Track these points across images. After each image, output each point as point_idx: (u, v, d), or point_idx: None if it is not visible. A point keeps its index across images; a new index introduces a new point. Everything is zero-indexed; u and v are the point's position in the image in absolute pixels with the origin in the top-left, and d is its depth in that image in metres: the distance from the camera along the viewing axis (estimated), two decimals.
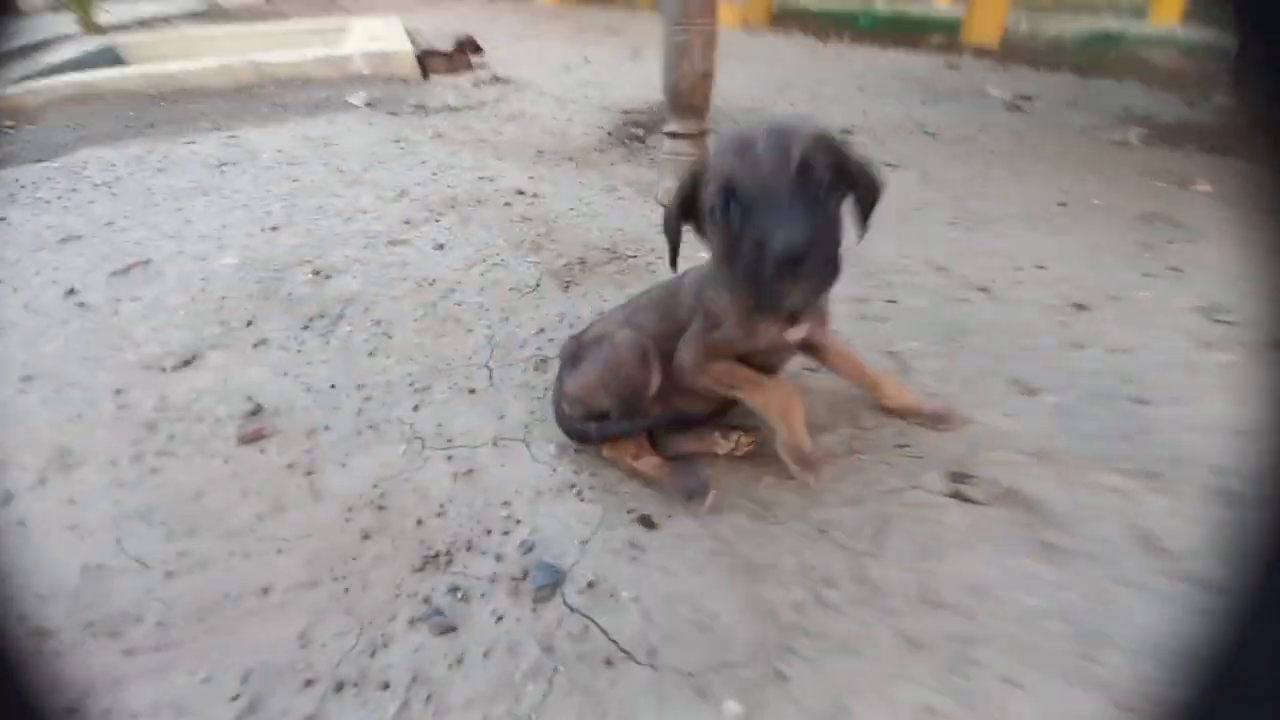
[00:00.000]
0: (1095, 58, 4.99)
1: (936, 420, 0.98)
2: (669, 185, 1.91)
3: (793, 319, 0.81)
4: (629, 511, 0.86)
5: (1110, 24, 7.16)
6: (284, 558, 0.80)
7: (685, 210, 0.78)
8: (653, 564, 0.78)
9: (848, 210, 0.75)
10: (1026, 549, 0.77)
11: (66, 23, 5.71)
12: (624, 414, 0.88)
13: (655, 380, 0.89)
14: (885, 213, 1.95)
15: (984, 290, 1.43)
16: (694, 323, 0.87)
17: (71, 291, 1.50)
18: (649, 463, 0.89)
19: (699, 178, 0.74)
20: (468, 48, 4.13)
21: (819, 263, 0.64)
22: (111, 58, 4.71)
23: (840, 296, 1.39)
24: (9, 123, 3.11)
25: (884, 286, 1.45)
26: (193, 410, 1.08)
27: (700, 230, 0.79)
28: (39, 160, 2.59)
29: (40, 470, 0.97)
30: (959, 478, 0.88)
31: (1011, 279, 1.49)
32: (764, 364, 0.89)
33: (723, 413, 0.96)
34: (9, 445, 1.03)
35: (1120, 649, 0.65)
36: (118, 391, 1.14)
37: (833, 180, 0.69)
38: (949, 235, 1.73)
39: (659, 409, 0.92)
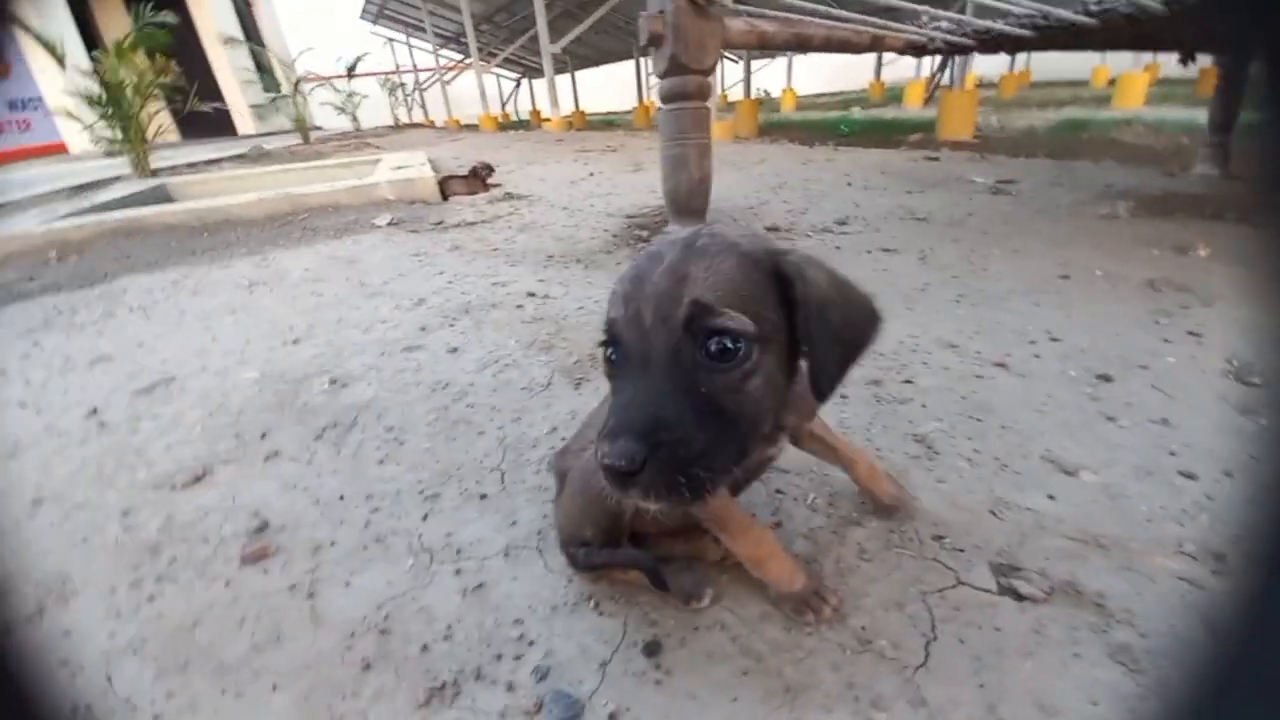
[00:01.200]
0: (1067, 143, 5.29)
1: (892, 508, 0.92)
2: None
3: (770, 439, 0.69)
4: (652, 625, 0.79)
5: (1076, 114, 7.63)
6: (278, 695, 0.73)
7: None
8: (680, 689, 0.70)
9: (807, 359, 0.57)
10: (1096, 653, 0.69)
11: (120, 166, 6.35)
12: (605, 541, 0.81)
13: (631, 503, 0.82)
14: (890, 294, 1.96)
15: (1001, 365, 1.41)
16: None
17: (93, 412, 1.53)
18: (638, 574, 0.83)
19: None
20: (482, 172, 4.53)
21: (658, 477, 0.48)
22: (162, 196, 5.19)
23: (853, 379, 1.37)
24: (53, 254, 3.37)
25: (898, 367, 1.43)
26: (197, 530, 1.06)
27: None
28: (80, 288, 2.77)
29: (39, 600, 0.94)
30: (1008, 571, 0.80)
31: (1028, 352, 1.47)
32: (757, 471, 0.82)
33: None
34: (13, 572, 1.00)
35: None
36: (124, 513, 1.12)
37: (758, 334, 0.52)
38: (956, 313, 1.74)
39: (646, 525, 0.84)
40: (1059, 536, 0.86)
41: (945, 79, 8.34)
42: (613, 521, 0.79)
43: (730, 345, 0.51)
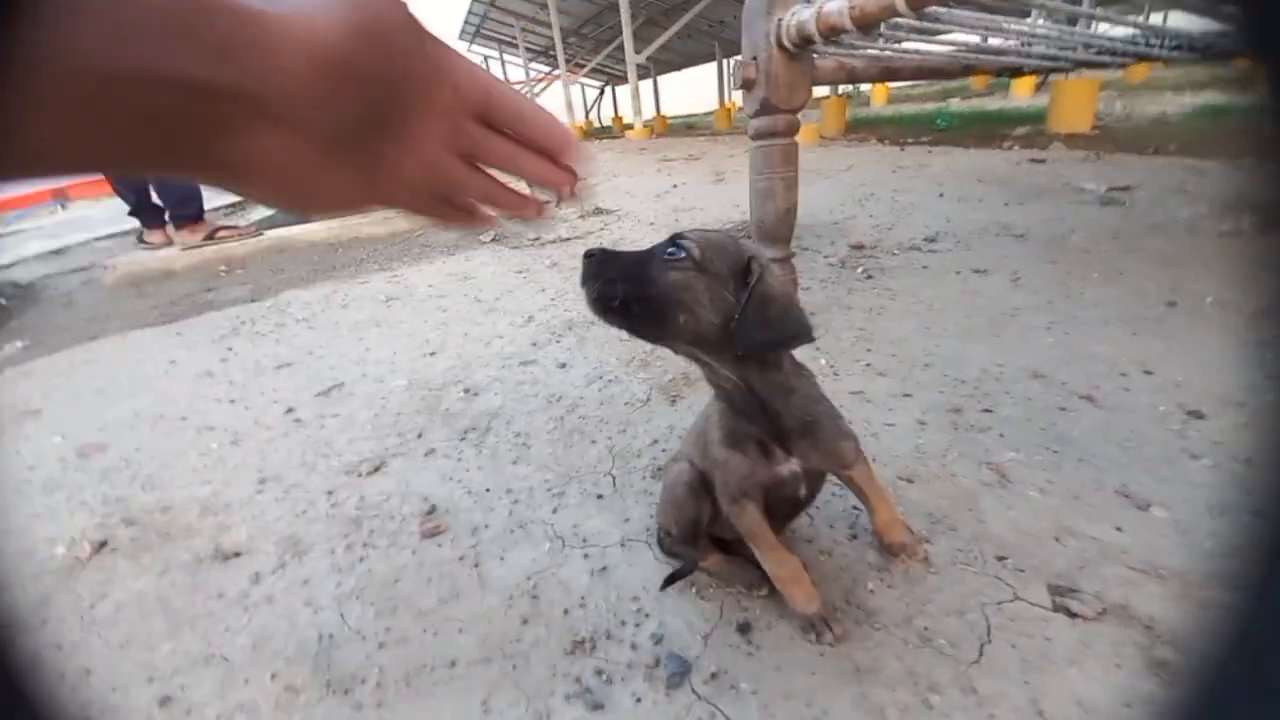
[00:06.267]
0: (1203, 134, 4.80)
1: (895, 550, 1.01)
2: None
3: (776, 452, 0.84)
4: (743, 610, 0.97)
5: (1215, 98, 6.80)
6: (463, 637, 0.99)
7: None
8: (768, 661, 0.88)
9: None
10: (1138, 666, 0.79)
11: None
12: (685, 538, 1.00)
13: (708, 510, 0.96)
14: (977, 319, 1.99)
15: (1087, 398, 1.45)
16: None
17: (290, 410, 1.93)
18: (713, 560, 1.04)
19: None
20: None
21: (594, 283, 0.73)
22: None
23: (932, 405, 1.47)
24: (223, 268, 4.06)
25: (979, 395, 1.51)
26: (384, 509, 1.36)
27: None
28: (253, 301, 3.34)
29: (280, 556, 1.27)
30: (1064, 591, 0.91)
31: (1117, 385, 1.49)
32: (791, 502, 0.92)
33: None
34: (255, 535, 1.35)
35: None
36: (329, 492, 1.46)
37: (699, 262, 0.73)
38: (1046, 340, 1.77)
39: (724, 533, 1.02)
40: (1120, 565, 0.95)
41: None
42: (691, 524, 0.99)
43: (679, 253, 0.74)
